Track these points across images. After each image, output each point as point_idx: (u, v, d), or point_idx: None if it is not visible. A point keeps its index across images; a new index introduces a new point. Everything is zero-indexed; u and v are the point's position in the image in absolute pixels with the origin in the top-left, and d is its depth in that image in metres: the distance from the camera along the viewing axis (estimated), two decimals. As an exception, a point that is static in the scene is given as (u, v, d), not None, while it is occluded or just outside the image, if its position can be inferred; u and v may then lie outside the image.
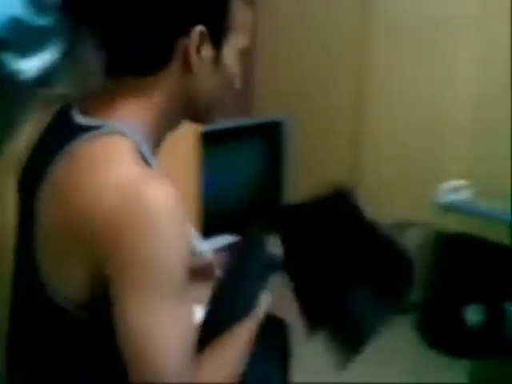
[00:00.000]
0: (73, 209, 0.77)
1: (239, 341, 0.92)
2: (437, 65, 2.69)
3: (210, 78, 0.87)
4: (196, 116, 0.94)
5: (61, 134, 0.85)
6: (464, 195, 2.41)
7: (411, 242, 2.90)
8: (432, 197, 2.18)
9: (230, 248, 1.24)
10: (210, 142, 2.08)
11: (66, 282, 0.80)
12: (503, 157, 2.57)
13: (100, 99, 0.88)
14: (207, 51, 0.84)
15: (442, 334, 2.64)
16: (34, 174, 0.85)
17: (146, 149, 0.83)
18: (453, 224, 2.68)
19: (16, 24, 1.12)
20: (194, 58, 0.83)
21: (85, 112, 0.86)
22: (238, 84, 0.93)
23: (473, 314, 2.49)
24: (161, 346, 0.74)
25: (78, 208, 0.76)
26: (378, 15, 2.79)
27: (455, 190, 2.41)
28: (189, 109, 0.90)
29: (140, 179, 0.77)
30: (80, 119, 0.84)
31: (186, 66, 0.84)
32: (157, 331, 0.75)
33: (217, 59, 0.87)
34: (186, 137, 1.71)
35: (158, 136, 0.89)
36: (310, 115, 2.94)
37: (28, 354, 0.90)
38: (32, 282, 0.83)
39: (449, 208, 2.23)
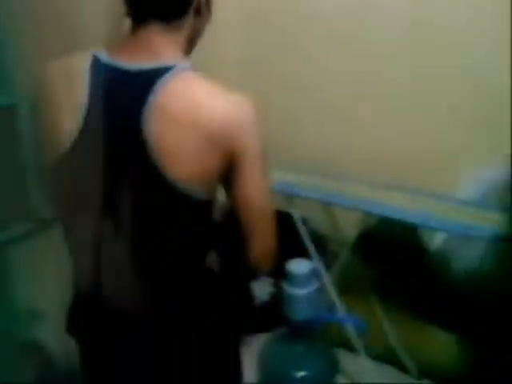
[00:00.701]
0: (206, 124, 1.06)
1: None
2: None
3: (204, 19, 1.21)
4: (189, 51, 1.22)
5: (130, 80, 1.09)
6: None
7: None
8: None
9: None
10: None
11: (195, 174, 1.08)
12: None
13: (132, 44, 1.14)
14: None
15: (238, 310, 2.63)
16: (126, 112, 1.08)
17: None
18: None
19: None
20: (203, 4, 1.18)
21: (121, 57, 1.12)
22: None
23: (260, 290, 2.56)
24: (269, 199, 1.17)
25: (210, 123, 1.06)
26: None
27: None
28: (189, 45, 1.21)
29: (237, 95, 1.11)
30: (137, 65, 1.10)
31: (197, 11, 1.17)
32: (267, 188, 1.16)
33: (207, 4, 1.20)
34: None
35: None
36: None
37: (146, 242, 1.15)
38: (158, 184, 1.07)
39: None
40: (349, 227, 2.36)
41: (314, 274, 1.99)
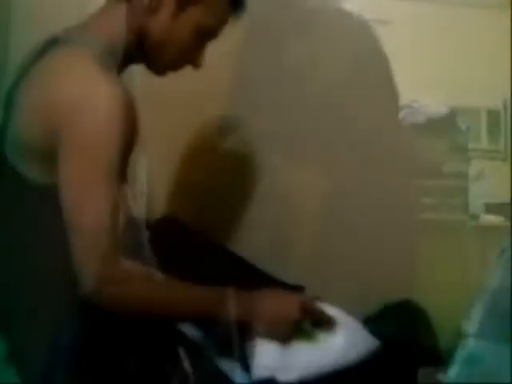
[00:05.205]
0: (45, 101, 0.97)
1: (193, 293, 1.01)
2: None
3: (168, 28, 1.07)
4: (148, 59, 1.10)
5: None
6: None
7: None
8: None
9: None
10: None
11: (31, 156, 0.98)
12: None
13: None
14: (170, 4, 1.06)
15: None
16: (17, 77, 1.05)
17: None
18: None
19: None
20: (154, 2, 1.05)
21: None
22: (198, 63, 1.11)
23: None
24: (87, 218, 0.92)
25: (48, 99, 0.96)
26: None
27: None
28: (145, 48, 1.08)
29: (111, 83, 0.96)
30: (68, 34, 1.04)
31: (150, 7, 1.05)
32: (83, 203, 0.93)
33: (175, 16, 1.05)
34: None
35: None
36: None
37: None
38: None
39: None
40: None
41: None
